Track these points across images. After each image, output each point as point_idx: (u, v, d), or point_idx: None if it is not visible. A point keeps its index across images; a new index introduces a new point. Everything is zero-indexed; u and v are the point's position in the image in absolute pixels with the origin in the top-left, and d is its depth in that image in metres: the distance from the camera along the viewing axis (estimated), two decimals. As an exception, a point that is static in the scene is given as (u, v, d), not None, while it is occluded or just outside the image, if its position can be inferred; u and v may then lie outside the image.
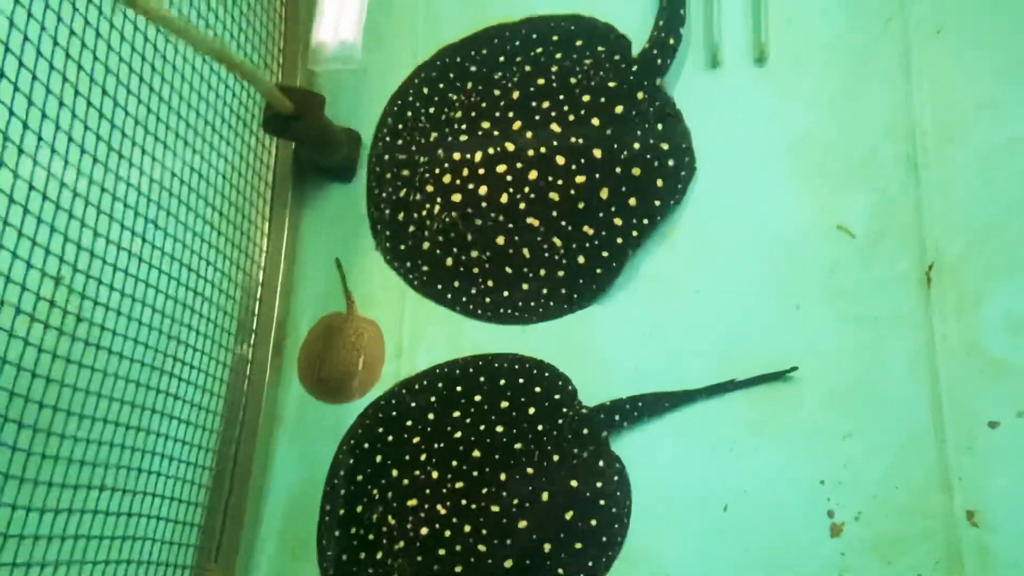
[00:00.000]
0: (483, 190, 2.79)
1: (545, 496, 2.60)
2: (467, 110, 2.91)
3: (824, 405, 2.71)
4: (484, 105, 2.90)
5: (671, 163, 2.84)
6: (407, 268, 2.93)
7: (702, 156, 2.95)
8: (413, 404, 2.76)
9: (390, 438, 2.73)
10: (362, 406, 2.94)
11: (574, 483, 2.62)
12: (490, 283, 2.88)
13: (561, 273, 2.84)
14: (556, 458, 2.63)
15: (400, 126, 3.05)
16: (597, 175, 2.81)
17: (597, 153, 2.80)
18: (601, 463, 2.66)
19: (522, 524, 2.56)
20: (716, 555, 2.62)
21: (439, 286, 2.92)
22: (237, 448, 2.84)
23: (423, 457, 2.65)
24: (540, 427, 2.66)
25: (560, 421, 2.66)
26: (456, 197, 2.81)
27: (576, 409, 2.71)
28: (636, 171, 2.82)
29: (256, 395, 2.91)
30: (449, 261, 2.90)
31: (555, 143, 2.81)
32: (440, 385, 2.79)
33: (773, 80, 3.03)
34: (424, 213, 2.87)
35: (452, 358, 2.91)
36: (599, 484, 2.63)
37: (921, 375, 2.69)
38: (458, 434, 2.66)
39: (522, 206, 2.79)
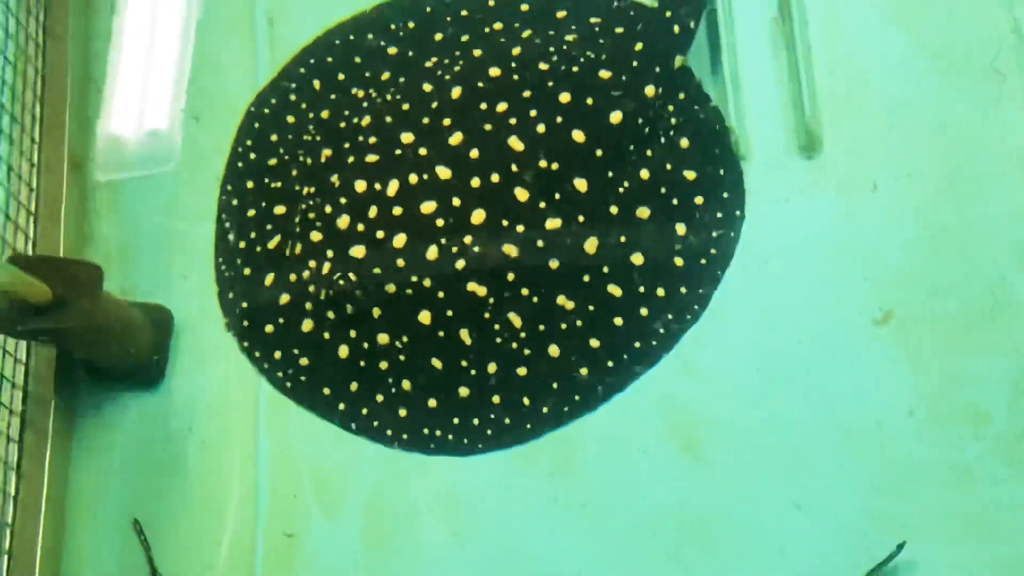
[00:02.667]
0: (399, 241, 2.37)
1: None
2: (379, 114, 2.55)
3: None
4: (406, 107, 2.54)
5: (699, 201, 2.47)
6: (275, 363, 2.45)
7: (723, 308, 2.39)
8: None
9: None
10: None
11: None
12: (406, 385, 2.40)
13: (522, 371, 2.38)
14: None
15: (273, 137, 2.69)
16: (580, 218, 2.42)
17: (580, 184, 2.42)
18: None
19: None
20: None
21: (326, 390, 2.43)
22: None
23: None
24: None
25: None
26: (357, 251, 2.38)
27: None
28: (643, 212, 2.46)
29: None
30: (343, 351, 2.41)
31: (514, 168, 2.40)
32: None
33: (831, 178, 2.50)
34: (306, 274, 2.43)
35: None
36: None
37: None
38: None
39: (460, 265, 2.36)
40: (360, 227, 2.42)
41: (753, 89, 2.57)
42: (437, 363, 2.38)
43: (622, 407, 2.37)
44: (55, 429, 2.37)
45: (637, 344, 2.37)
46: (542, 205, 2.44)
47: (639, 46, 2.54)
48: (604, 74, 2.51)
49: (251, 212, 2.62)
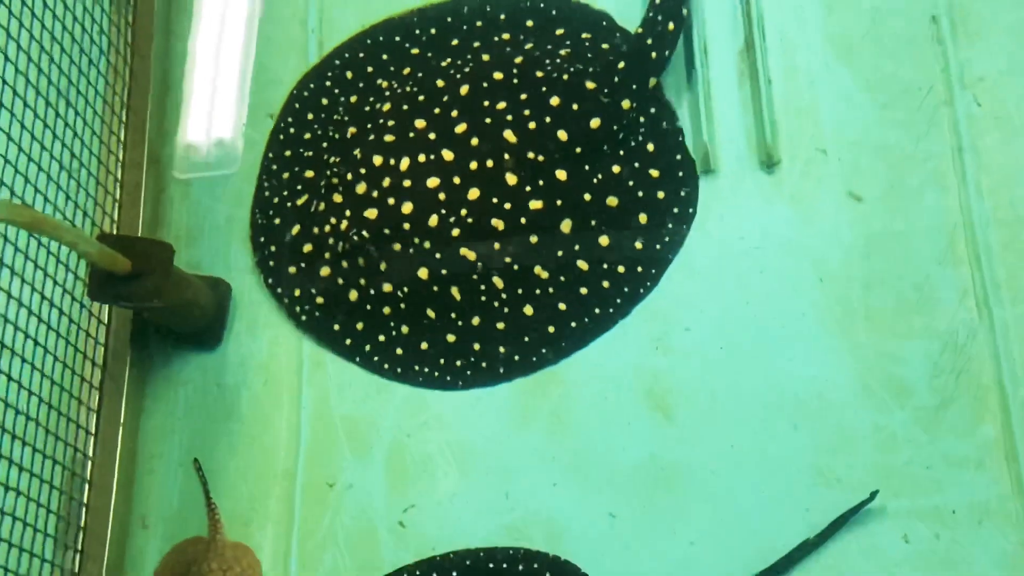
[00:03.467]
0: (407, 208, 2.53)
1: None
2: (399, 102, 2.68)
3: None
4: (422, 98, 2.66)
5: (660, 196, 2.62)
6: (294, 298, 2.61)
7: (695, 293, 2.59)
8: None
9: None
10: None
11: None
12: (405, 329, 2.57)
13: (501, 326, 2.55)
14: None
15: (310, 115, 2.83)
16: (558, 202, 2.57)
17: (561, 174, 2.58)
18: None
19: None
20: None
21: (335, 327, 2.60)
22: None
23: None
24: None
25: None
26: (371, 213, 2.54)
27: None
28: (612, 201, 2.60)
29: None
30: (353, 295, 2.58)
31: (507, 156, 2.57)
32: None
33: (786, 189, 2.67)
34: (327, 229, 2.61)
35: None
36: None
37: None
38: None
39: (456, 233, 2.54)
40: (375, 193, 2.58)
41: (722, 112, 2.71)
42: (431, 312, 2.54)
43: (598, 371, 2.53)
44: (130, 380, 2.56)
45: (597, 311, 2.55)
46: (527, 189, 2.58)
47: (621, 65, 2.66)
48: (590, 85, 2.63)
49: (286, 175, 2.76)
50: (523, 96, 2.63)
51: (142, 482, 2.57)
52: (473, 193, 2.56)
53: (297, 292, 2.63)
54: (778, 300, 2.54)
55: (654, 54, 2.68)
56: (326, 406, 2.54)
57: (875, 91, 2.70)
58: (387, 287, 2.57)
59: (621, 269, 2.59)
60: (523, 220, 2.57)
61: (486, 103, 2.63)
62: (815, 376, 2.46)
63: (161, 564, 2.47)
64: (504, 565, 2.34)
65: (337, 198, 2.62)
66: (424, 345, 2.57)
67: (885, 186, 2.60)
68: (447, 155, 2.57)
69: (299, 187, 2.73)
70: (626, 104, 2.65)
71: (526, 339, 2.54)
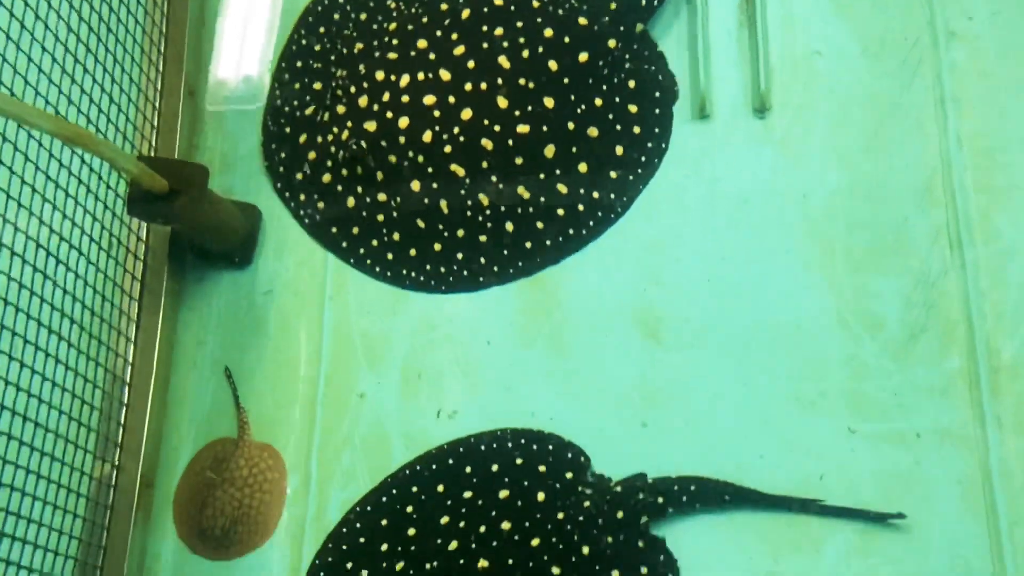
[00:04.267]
0: (403, 122, 2.60)
1: None
2: (404, 22, 2.73)
3: (857, 545, 2.39)
4: (425, 20, 2.72)
5: (636, 130, 2.68)
6: (298, 202, 2.73)
7: (687, 229, 2.69)
8: (384, 522, 2.44)
9: (364, 573, 2.38)
10: (260, 559, 2.53)
11: (615, 574, 2.31)
12: (396, 236, 2.65)
13: (483, 239, 2.63)
14: (586, 550, 2.32)
15: (322, 29, 2.87)
16: (544, 128, 2.64)
17: (548, 102, 2.64)
18: (641, 543, 2.37)
19: None
20: None
21: (333, 229, 2.70)
22: None
23: None
24: (560, 515, 2.35)
25: (586, 504, 2.37)
26: (370, 125, 2.61)
27: (602, 486, 2.43)
28: (593, 132, 2.67)
29: (117, 551, 2.48)
30: (350, 201, 2.68)
31: (500, 81, 2.62)
32: (415, 489, 2.46)
33: (777, 135, 2.74)
34: (330, 138, 2.68)
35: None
36: (644, 570, 2.33)
37: (976, 508, 2.38)
38: (453, 544, 2.34)
39: (447, 149, 2.61)
40: (375, 107, 2.63)
41: (719, 60, 2.77)
42: (420, 223, 2.63)
43: (596, 299, 2.63)
44: (167, 293, 2.69)
45: (571, 231, 2.64)
46: (516, 113, 2.62)
47: (613, 6, 2.72)
48: (582, 21, 2.68)
49: (296, 85, 2.82)
50: (519, 24, 2.67)
51: (177, 387, 2.70)
52: (466, 113, 2.61)
53: (302, 197, 2.72)
54: (764, 238, 2.62)
55: (644, 1, 2.74)
56: (346, 322, 2.67)
57: (866, 42, 2.75)
58: (381, 196, 2.65)
59: (596, 195, 2.65)
60: (510, 142, 2.62)
61: (484, 28, 2.67)
62: (794, 309, 2.55)
63: (193, 460, 2.63)
64: (493, 445, 2.48)
65: (340, 109, 2.67)
66: (412, 252, 2.65)
67: (870, 133, 2.67)
68: (444, 75, 2.62)
69: (308, 97, 2.78)
70: (612, 43, 2.70)
71: (505, 252, 2.64)
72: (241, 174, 2.84)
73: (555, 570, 2.29)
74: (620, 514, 2.37)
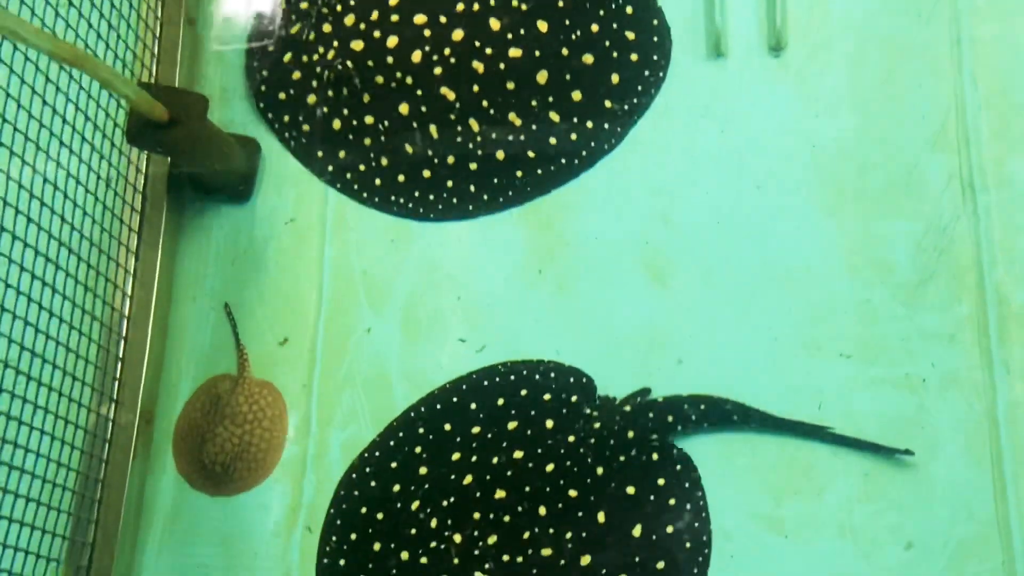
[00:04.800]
0: (392, 42, 2.58)
1: (601, 517, 2.32)
2: None
3: (860, 491, 2.40)
4: None
5: (634, 58, 2.65)
6: (283, 124, 2.69)
7: (698, 170, 2.66)
8: (394, 465, 2.43)
9: (381, 516, 2.39)
10: (260, 497, 2.54)
11: (631, 490, 2.34)
12: (384, 161, 2.63)
13: (473, 166, 2.61)
14: (600, 471, 2.36)
15: None
16: (537, 52, 2.61)
17: (542, 26, 2.62)
18: (656, 456, 2.39)
19: (585, 560, 2.30)
20: None
21: (319, 153, 2.67)
22: (91, 556, 2.44)
23: (434, 523, 2.35)
24: (571, 439, 2.38)
25: (596, 425, 2.40)
26: (357, 45, 2.59)
27: (610, 407, 2.45)
28: (588, 58, 2.64)
29: (117, 485, 2.50)
30: (337, 124, 2.65)
31: (492, 2, 2.61)
32: (422, 431, 2.47)
33: (791, 74, 2.72)
34: (315, 58, 2.64)
35: (379, 429, 2.53)
36: (661, 481, 2.36)
37: (980, 454, 2.39)
38: (467, 479, 2.36)
39: (437, 71, 2.58)
40: (362, 26, 2.61)
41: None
42: (409, 148, 2.62)
43: (601, 239, 2.60)
44: (166, 226, 2.66)
45: (563, 161, 2.62)
46: (509, 36, 2.61)
47: None
48: None
49: (282, 3, 2.77)
50: None
51: (176, 322, 2.69)
52: (457, 34, 2.59)
53: (286, 118, 2.69)
54: (775, 178, 2.62)
55: None
56: (347, 261, 2.65)
57: (885, -22, 2.71)
58: (368, 119, 2.62)
59: (589, 125, 2.63)
60: (502, 66, 2.59)
61: None
62: (804, 252, 2.55)
63: (192, 396, 2.62)
64: (496, 379, 2.49)
65: (326, 28, 2.64)
66: (401, 178, 2.63)
67: (885, 74, 2.66)
68: None
69: (293, 16, 2.74)
70: None
71: (495, 181, 2.61)
72: (241, 108, 2.81)
73: (572, 493, 2.32)
74: (631, 433, 2.38)
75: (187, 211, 2.76)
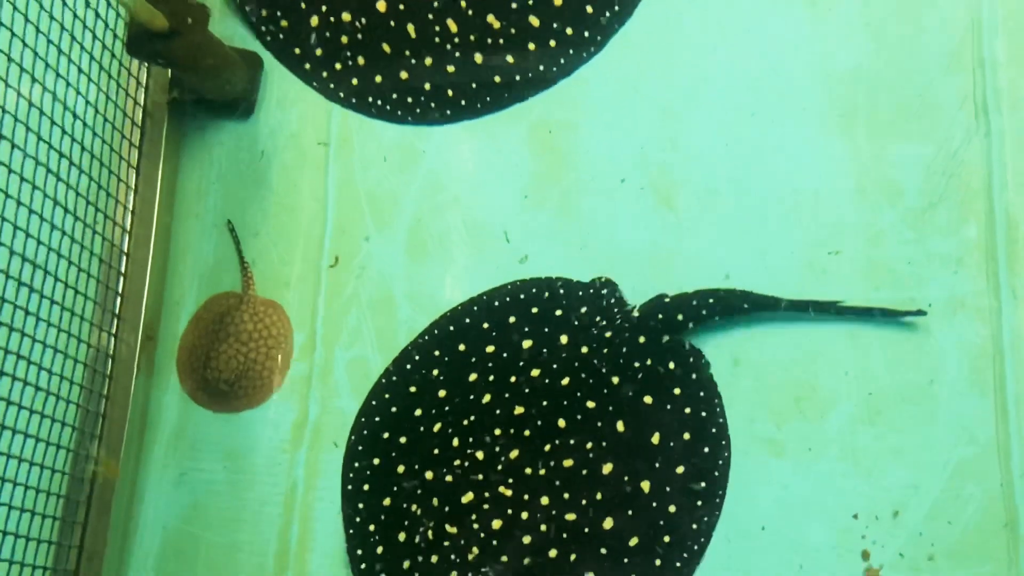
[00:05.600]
0: None
1: (620, 426, 2.34)
2: None
3: (860, 415, 2.41)
4: None
5: None
6: (261, 18, 2.67)
7: (707, 90, 2.63)
8: (412, 390, 2.44)
9: (403, 440, 2.40)
10: (265, 414, 2.56)
11: (648, 399, 2.36)
12: (360, 60, 2.62)
13: (451, 69, 2.59)
14: (616, 380, 2.37)
15: None
16: None
17: None
18: (672, 364, 2.40)
19: (607, 469, 2.31)
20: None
21: (296, 51, 2.66)
22: (95, 468, 2.46)
23: (456, 442, 2.36)
24: (584, 349, 2.39)
25: (607, 335, 2.40)
26: None
27: (621, 314, 2.45)
28: None
29: (120, 400, 2.52)
30: (314, 20, 2.62)
31: None
32: (437, 353, 2.48)
33: None
34: None
35: (385, 350, 2.53)
36: (678, 390, 2.38)
37: (984, 379, 2.40)
38: (486, 398, 2.38)
39: None
40: None
41: None
42: (386, 47, 2.60)
43: (612, 161, 2.58)
44: (167, 141, 2.66)
45: (541, 67, 2.60)
46: None
47: None
48: None
49: None
50: None
51: (179, 239, 2.68)
52: None
53: (264, 12, 2.66)
54: (785, 100, 2.59)
55: None
56: (351, 178, 2.64)
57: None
58: (346, 16, 2.60)
59: (569, 31, 2.60)
60: None
61: None
62: (812, 175, 2.53)
63: (197, 314, 2.63)
64: (506, 299, 2.49)
65: None
66: (378, 78, 2.62)
67: None
68: None
69: None
70: None
71: (473, 85, 2.60)
72: (243, 22, 2.75)
73: (590, 404, 2.34)
74: (642, 339, 2.39)
75: (189, 127, 2.73)
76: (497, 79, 2.58)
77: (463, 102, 2.58)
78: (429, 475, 2.33)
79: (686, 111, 2.61)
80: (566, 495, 2.29)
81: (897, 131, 2.54)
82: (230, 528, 2.49)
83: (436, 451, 2.35)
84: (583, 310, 2.45)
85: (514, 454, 2.31)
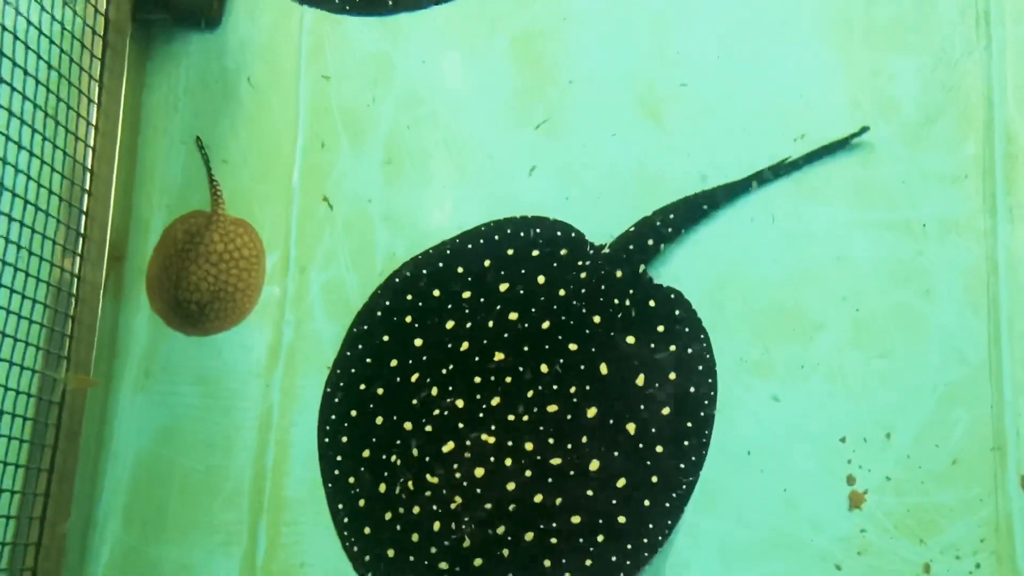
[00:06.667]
0: None
1: (604, 369, 2.29)
2: None
3: (851, 336, 2.37)
4: None
5: None
6: None
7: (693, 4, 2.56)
8: (386, 338, 2.38)
9: (380, 391, 2.36)
10: (238, 337, 2.50)
11: (631, 340, 2.31)
12: None
13: None
14: (597, 320, 2.33)
15: None
16: None
17: None
18: (652, 303, 2.36)
19: (591, 413, 2.26)
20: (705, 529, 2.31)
21: None
22: (63, 391, 2.37)
23: (435, 391, 2.31)
24: (561, 292, 2.33)
25: (583, 276, 2.35)
26: None
27: (595, 254, 2.40)
28: None
29: (88, 322, 2.42)
30: None
31: None
32: (409, 298, 2.40)
33: None
34: None
35: (361, 272, 2.48)
36: (661, 328, 2.34)
37: (977, 299, 2.36)
38: (464, 345, 2.32)
39: None
40: None
41: None
42: None
43: (598, 79, 2.50)
44: (131, 53, 2.55)
45: None
46: None
47: None
48: None
49: None
50: None
51: (145, 155, 2.60)
52: None
53: None
54: (778, 10, 2.50)
55: None
56: (324, 92, 2.55)
57: None
58: None
59: None
60: None
61: None
62: (805, 89, 2.47)
63: (165, 232, 2.55)
64: (480, 241, 2.42)
65: None
66: None
67: None
68: None
69: None
70: None
71: None
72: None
73: (572, 347, 2.29)
74: (619, 273, 2.34)
75: (154, 38, 2.65)
76: None
77: None
78: (408, 426, 2.28)
79: (677, 18, 2.51)
80: (551, 440, 2.25)
81: (894, 42, 2.46)
82: (205, 452, 2.44)
83: (415, 401, 2.30)
84: (562, 252, 2.39)
85: (495, 401, 2.26)
